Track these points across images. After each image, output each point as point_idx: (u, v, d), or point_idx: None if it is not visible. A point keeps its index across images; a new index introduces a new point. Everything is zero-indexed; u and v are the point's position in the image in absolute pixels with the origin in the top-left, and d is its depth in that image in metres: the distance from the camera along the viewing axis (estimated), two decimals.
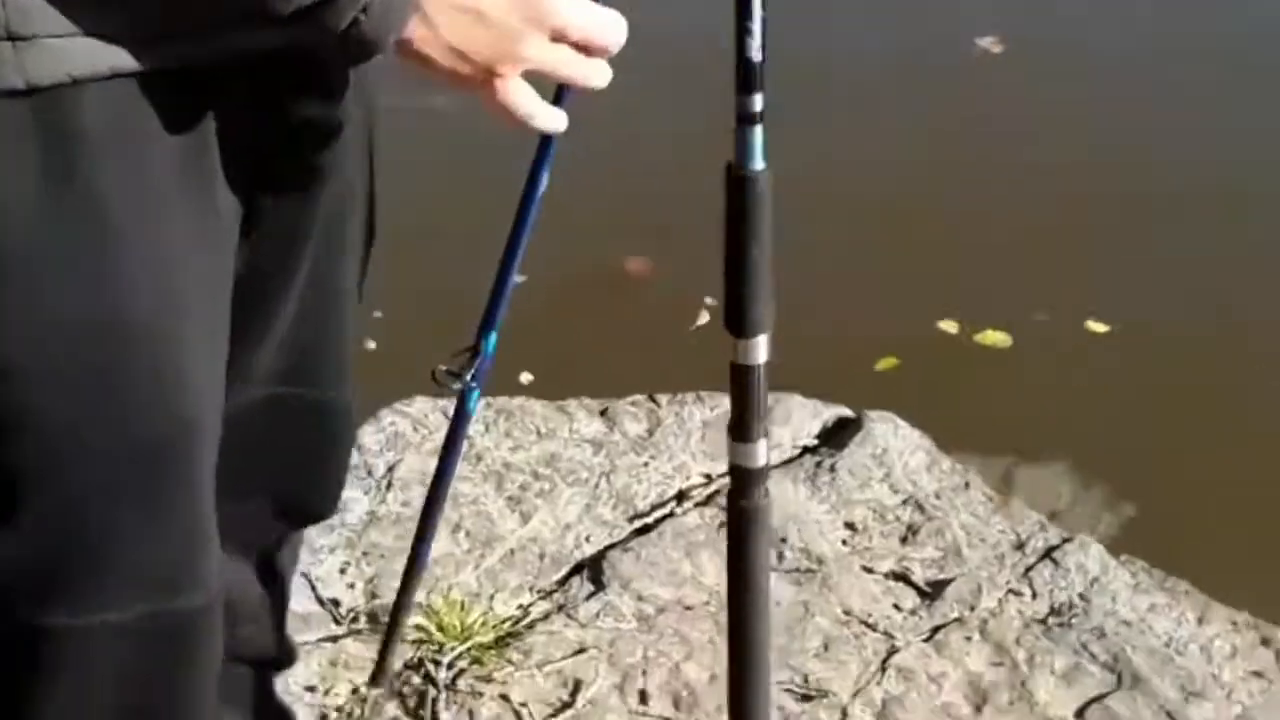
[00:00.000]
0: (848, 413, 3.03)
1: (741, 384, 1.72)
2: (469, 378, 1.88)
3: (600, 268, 3.83)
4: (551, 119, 1.31)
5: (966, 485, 2.86)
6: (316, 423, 1.63)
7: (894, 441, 2.93)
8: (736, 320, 1.67)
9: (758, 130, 1.59)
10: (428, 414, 2.89)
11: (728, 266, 1.65)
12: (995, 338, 3.70)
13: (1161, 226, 4.10)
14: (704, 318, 3.69)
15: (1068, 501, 3.16)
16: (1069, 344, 3.68)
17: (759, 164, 1.61)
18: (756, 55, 1.55)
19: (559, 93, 1.36)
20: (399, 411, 2.90)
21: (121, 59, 1.18)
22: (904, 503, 2.79)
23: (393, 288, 3.54)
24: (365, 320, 3.55)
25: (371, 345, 3.50)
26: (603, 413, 2.95)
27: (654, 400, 2.99)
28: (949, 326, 3.71)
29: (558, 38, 1.27)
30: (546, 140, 1.76)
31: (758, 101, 1.57)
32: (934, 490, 2.83)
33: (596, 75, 1.31)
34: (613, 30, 1.30)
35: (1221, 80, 4.75)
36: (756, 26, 1.54)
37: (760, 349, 1.68)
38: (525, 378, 3.43)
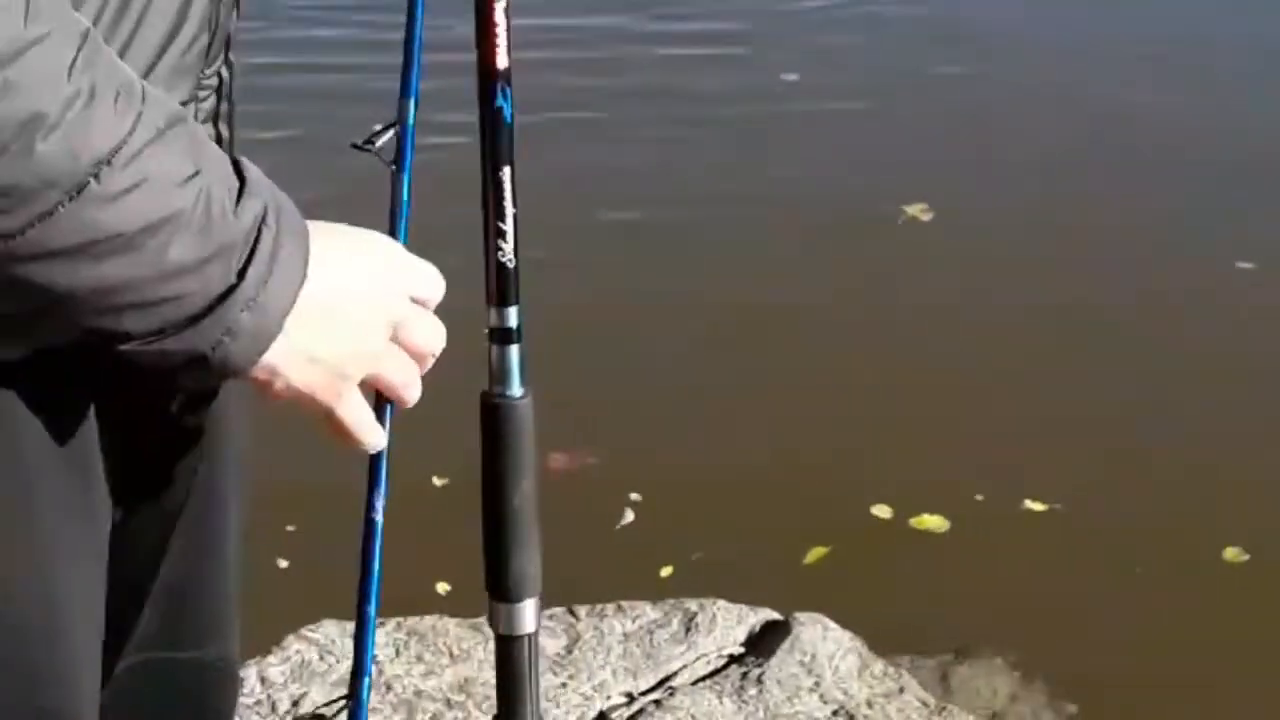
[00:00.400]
0: (775, 616, 2.91)
1: (507, 659, 1.39)
2: None
3: None
4: (379, 436, 1.21)
5: (900, 690, 2.75)
6: (191, 685, 1.54)
7: (823, 646, 2.81)
8: (496, 581, 1.37)
9: (514, 350, 1.35)
10: (335, 639, 2.76)
11: (484, 514, 1.37)
12: (931, 522, 3.57)
13: (1096, 396, 4.02)
14: (629, 516, 3.57)
15: (1007, 700, 3.03)
16: (1007, 525, 3.56)
17: (517, 389, 1.35)
18: (510, 260, 1.32)
19: (379, 408, 1.22)
20: (305, 638, 2.78)
21: None
22: (835, 714, 2.67)
23: (306, 500, 3.45)
24: (279, 535, 3.45)
25: (283, 564, 3.38)
26: None
27: (573, 613, 2.87)
28: (882, 512, 3.59)
29: (394, 338, 1.18)
30: (376, 464, 1.38)
31: (513, 315, 1.34)
32: (866, 698, 2.71)
33: (417, 390, 1.21)
34: (440, 336, 1.20)
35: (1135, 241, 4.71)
36: (509, 226, 1.31)
37: (527, 615, 1.38)
38: (442, 588, 3.31)
